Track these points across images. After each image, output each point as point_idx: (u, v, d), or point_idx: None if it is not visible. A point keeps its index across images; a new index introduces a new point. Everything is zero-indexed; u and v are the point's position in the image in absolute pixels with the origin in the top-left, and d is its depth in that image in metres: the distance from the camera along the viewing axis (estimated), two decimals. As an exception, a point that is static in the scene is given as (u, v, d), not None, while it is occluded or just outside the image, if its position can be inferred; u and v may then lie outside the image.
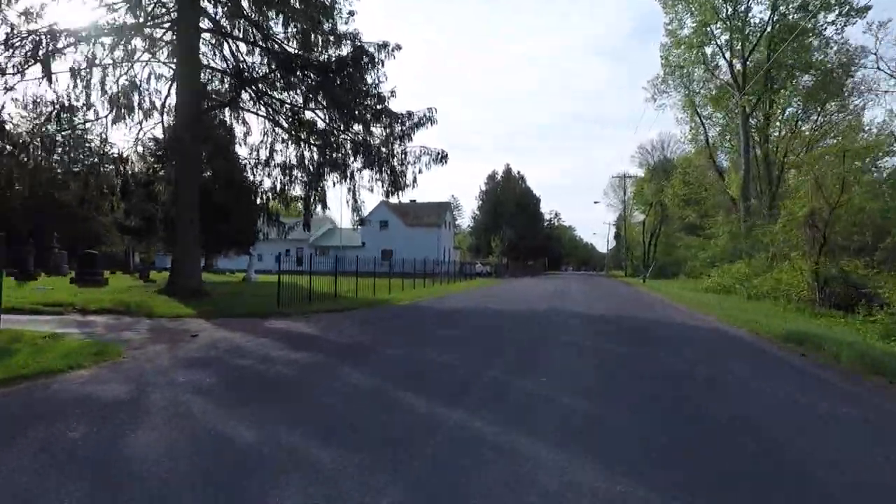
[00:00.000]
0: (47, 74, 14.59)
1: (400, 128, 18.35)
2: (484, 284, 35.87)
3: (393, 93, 17.71)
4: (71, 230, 44.20)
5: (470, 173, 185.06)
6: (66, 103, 16.52)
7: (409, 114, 18.05)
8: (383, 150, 18.54)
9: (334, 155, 19.11)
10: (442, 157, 18.72)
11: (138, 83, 17.59)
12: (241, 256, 31.86)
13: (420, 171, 18.95)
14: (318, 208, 21.71)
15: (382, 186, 19.17)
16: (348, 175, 19.45)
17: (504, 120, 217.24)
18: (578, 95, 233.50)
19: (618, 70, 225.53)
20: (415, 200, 60.23)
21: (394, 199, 20.92)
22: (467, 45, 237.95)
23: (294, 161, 20.55)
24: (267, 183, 21.97)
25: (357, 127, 18.41)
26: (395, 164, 18.68)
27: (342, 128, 18.28)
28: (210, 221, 24.47)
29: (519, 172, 79.94)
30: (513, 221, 67.94)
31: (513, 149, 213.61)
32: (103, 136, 19.26)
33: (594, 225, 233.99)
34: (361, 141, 18.20)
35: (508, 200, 72.06)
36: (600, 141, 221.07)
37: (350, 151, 18.65)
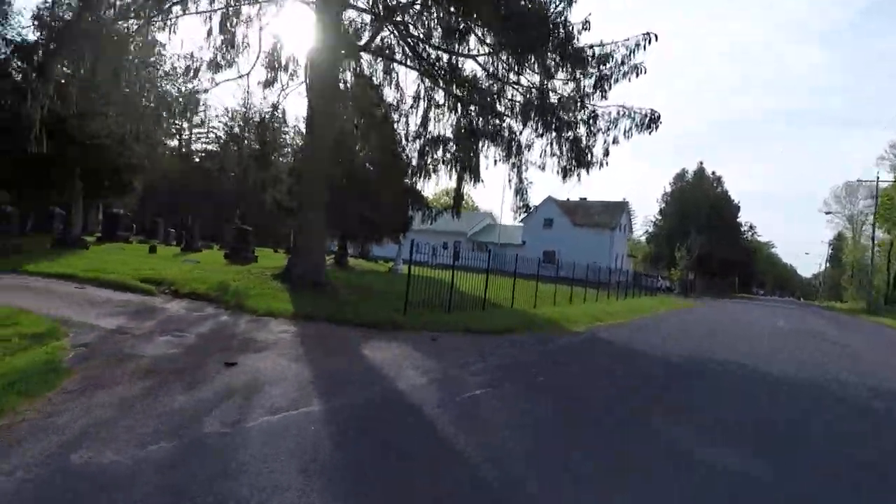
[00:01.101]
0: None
1: (590, 79, 13.05)
2: (674, 305, 28.45)
3: (586, 24, 12.40)
4: (253, 207, 47.50)
5: (641, 174, 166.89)
6: (214, 58, 14.69)
7: (605, 56, 12.61)
8: (563, 113, 13.44)
9: (498, 122, 14.62)
10: (650, 122, 12.98)
11: (278, 39, 15.15)
12: (395, 244, 29.39)
13: (615, 142, 13.47)
14: (470, 194, 17.44)
15: (559, 163, 14.11)
16: (513, 148, 14.82)
17: (687, 115, 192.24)
18: (784, 88, 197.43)
19: (834, 58, 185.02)
20: (585, 198, 53.64)
21: (569, 184, 15.74)
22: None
23: (449, 132, 16.64)
24: (416, 160, 18.50)
25: (531, 79, 13.59)
26: (581, 130, 13.45)
27: (509, 77, 13.62)
28: (357, 203, 22.02)
29: (714, 173, 67.52)
30: (704, 230, 56.90)
31: (698, 148, 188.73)
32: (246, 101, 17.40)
33: (796, 244, 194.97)
34: (536, 97, 13.31)
35: (700, 205, 60.81)
36: (812, 142, 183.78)
37: (518, 114, 13.92)
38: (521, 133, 14.82)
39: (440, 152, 17.39)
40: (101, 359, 5.28)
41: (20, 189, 18.65)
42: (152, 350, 5.89)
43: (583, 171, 14.13)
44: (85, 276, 11.47)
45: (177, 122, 61.90)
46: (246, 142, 17.31)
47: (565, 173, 14.30)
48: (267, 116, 16.83)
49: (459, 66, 15.06)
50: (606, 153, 13.72)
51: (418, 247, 11.48)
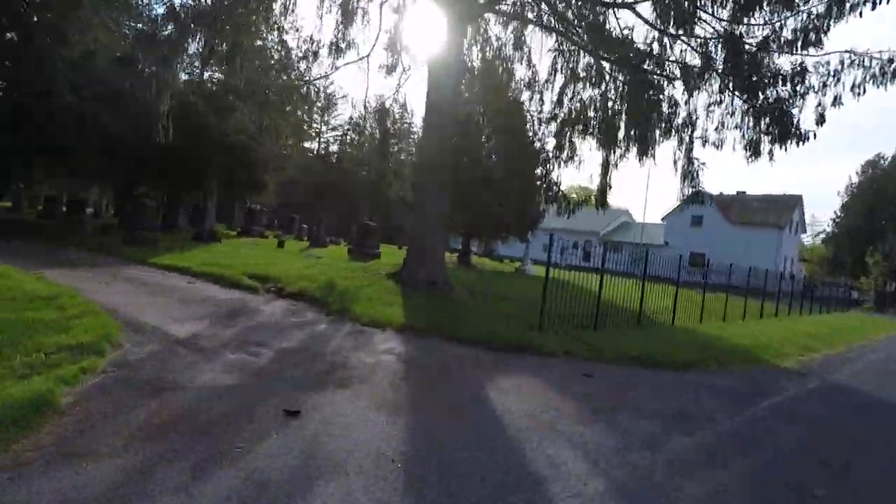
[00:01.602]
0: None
1: (798, 17, 9.54)
2: (885, 326, 22.19)
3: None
4: (380, 203, 48.35)
5: (803, 164, 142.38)
6: (334, 40, 13.69)
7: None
8: (757, 67, 10.02)
9: (654, 91, 11.56)
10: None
11: (400, 12, 13.62)
12: (523, 242, 26.93)
13: (837, 103, 9.76)
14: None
15: (745, 135, 10.70)
16: (678, 120, 11.66)
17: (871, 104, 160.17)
18: None
19: None
20: (744, 192, 46.32)
21: (753, 167, 11.97)
22: None
23: (591, 111, 13.90)
24: (551, 143, 15.98)
25: (706, 29, 10.38)
26: (782, 89, 9.94)
27: (676, 28, 10.55)
28: (482, 195, 20.04)
29: (920, 159, 54.36)
30: (904, 230, 45.78)
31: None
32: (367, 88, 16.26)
33: None
34: (718, 45, 10.09)
35: (897, 199, 49.21)
36: None
37: (692, 73, 10.74)
38: (689, 100, 11.61)
39: (580, 134, 14.70)
40: (123, 392, 3.75)
41: (161, 184, 19.83)
42: (205, 378, 4.30)
43: (776, 147, 10.53)
44: (200, 271, 10.90)
45: (314, 121, 66.14)
46: (367, 132, 16.18)
47: (754, 149, 10.80)
48: (387, 102, 15.53)
49: (608, 23, 12.25)
50: (821, 119, 9.99)
51: (551, 245, 9.00)
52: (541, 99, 15.45)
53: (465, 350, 6.74)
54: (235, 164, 19.81)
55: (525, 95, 16.04)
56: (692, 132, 11.53)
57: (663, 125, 11.36)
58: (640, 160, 12.19)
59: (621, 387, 5.80)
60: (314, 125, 68.58)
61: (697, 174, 11.66)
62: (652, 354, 7.43)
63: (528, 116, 16.75)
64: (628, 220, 56.55)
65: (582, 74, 14.30)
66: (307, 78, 15.17)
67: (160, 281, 9.58)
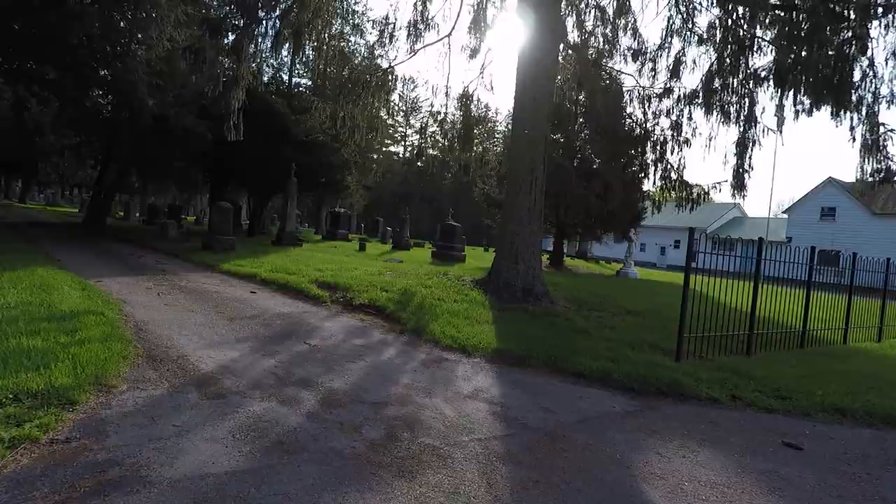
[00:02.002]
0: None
1: None
2: None
3: None
4: (465, 203, 46.94)
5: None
6: (414, 20, 12.30)
7: None
8: None
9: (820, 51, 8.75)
10: None
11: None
12: (624, 241, 24.02)
13: None
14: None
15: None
16: (851, 77, 8.78)
17: None
18: None
19: None
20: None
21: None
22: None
23: (721, 75, 11.30)
24: (663, 123, 13.52)
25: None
26: None
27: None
28: (574, 187, 17.72)
29: None
30: None
31: None
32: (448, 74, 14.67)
33: None
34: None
35: None
36: None
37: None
38: (865, 51, 8.69)
39: (701, 108, 12.13)
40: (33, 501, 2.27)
41: (245, 189, 19.68)
42: (196, 459, 2.77)
43: None
44: (266, 278, 9.83)
45: (398, 124, 66.49)
46: (448, 122, 14.61)
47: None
48: (470, 86, 13.83)
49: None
50: None
51: (691, 243, 6.65)
52: (652, 70, 13.01)
53: (585, 391, 4.79)
54: (316, 165, 19.14)
55: (632, 68, 13.63)
56: (874, 87, 8.63)
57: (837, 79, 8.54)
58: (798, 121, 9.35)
59: (857, 474, 3.54)
60: (398, 128, 69.22)
61: (884, 145, 8.70)
62: (869, 403, 4.98)
63: (634, 93, 14.30)
64: (738, 214, 50.65)
65: (704, 35, 11.73)
66: (384, 64, 13.91)
67: (219, 290, 8.54)
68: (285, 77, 23.20)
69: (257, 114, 17.65)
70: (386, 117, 55.27)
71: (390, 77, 14.11)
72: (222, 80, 10.85)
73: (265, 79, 20.35)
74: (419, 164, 57.37)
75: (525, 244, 9.51)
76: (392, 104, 47.48)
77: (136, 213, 34.60)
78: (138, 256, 12.55)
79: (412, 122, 68.38)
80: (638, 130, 15.06)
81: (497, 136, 60.45)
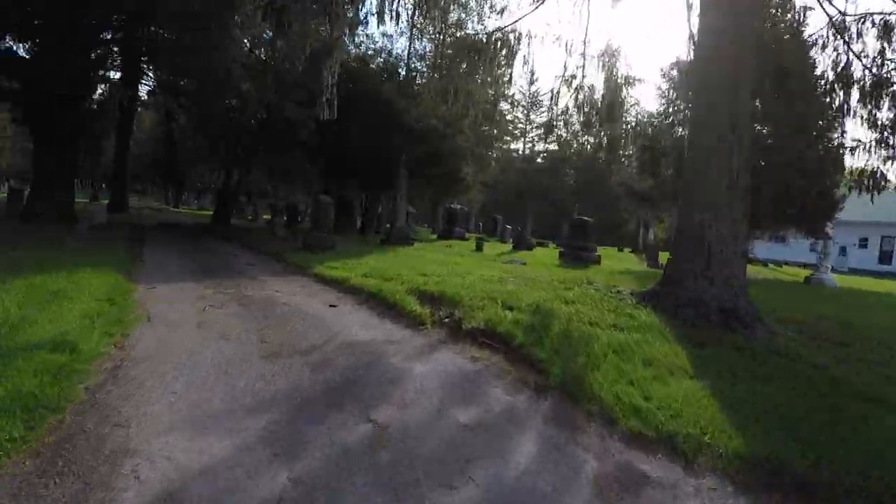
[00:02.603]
0: None
1: None
2: None
3: None
4: (594, 198, 42.62)
5: None
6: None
7: None
8: None
9: None
10: None
11: None
12: (812, 238, 18.69)
13: None
14: None
15: None
16: None
17: None
18: None
19: None
20: None
21: None
22: None
23: None
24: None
25: None
26: None
27: None
28: (757, 173, 13.48)
29: None
30: None
31: None
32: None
33: None
34: None
35: None
36: None
37: None
38: None
39: None
40: None
41: (352, 183, 18.30)
42: None
43: None
44: (357, 284, 7.68)
45: (518, 120, 63.44)
46: (585, 90, 11.55)
47: None
48: (613, 44, 10.61)
49: None
50: None
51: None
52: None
53: None
54: (428, 155, 17.13)
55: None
56: None
57: None
58: None
59: None
60: (518, 124, 66.18)
61: None
62: None
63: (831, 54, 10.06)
64: (956, 205, 39.74)
65: None
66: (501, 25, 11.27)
67: (291, 301, 6.51)
68: (396, 64, 21.68)
69: (362, 99, 16.06)
70: (506, 109, 52.59)
71: (512, 37, 11.44)
72: (310, 45, 8.97)
73: (372, 64, 18.85)
74: (547, 143, 53.58)
75: (722, 240, 6.19)
76: (510, 90, 44.63)
77: (264, 214, 36.01)
78: (233, 256, 11.32)
79: (532, 117, 65.05)
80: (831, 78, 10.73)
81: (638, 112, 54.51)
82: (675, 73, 20.21)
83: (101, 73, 17.98)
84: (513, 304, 6.22)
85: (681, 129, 17.36)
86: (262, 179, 40.50)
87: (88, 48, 14.29)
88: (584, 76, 11.77)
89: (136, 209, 34.68)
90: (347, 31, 10.36)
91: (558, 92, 12.25)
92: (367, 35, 21.65)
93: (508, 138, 61.93)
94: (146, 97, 37.65)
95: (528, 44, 11.75)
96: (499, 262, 13.63)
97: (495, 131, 39.43)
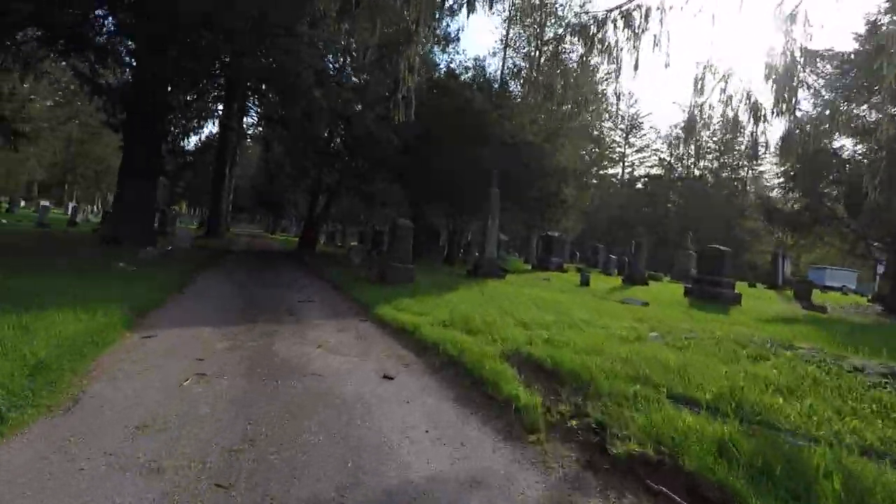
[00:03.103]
0: None
1: None
2: None
3: None
4: (712, 229, 37.67)
5: None
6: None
7: None
8: None
9: None
10: None
11: None
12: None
13: None
14: None
15: None
16: None
17: None
18: None
19: None
20: None
21: None
22: None
23: None
24: None
25: None
26: None
27: None
28: None
29: None
30: None
31: None
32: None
33: None
34: None
35: None
36: None
37: None
38: None
39: None
40: None
41: (441, 206, 16.36)
42: None
43: None
44: (429, 337, 5.40)
45: (617, 144, 59.15)
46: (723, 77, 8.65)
47: None
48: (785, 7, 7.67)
49: None
50: None
51: None
52: None
53: None
54: (524, 173, 14.79)
55: None
56: None
57: None
58: None
59: None
60: (616, 148, 61.83)
61: None
62: None
63: None
64: None
65: None
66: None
67: (329, 368, 4.36)
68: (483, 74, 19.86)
69: (450, 113, 14.16)
70: (608, 127, 49.17)
71: (638, 14, 8.89)
72: (377, 31, 7.09)
73: (463, 77, 17.04)
74: (687, 148, 48.52)
75: None
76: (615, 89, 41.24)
77: (352, 240, 35.54)
78: (294, 288, 9.59)
79: (631, 140, 60.64)
80: None
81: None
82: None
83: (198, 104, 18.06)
84: (685, 391, 3.59)
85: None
86: (354, 205, 40.49)
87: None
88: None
89: (234, 235, 35.70)
90: (428, 20, 8.43)
91: (702, 78, 9.40)
92: (457, 51, 20.19)
93: (606, 163, 57.94)
94: (249, 129, 39.36)
95: (661, 20, 9.13)
96: (612, 301, 10.83)
97: (596, 150, 36.27)
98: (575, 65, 10.47)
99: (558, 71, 8.96)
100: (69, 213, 31.13)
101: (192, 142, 37.35)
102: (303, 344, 5.10)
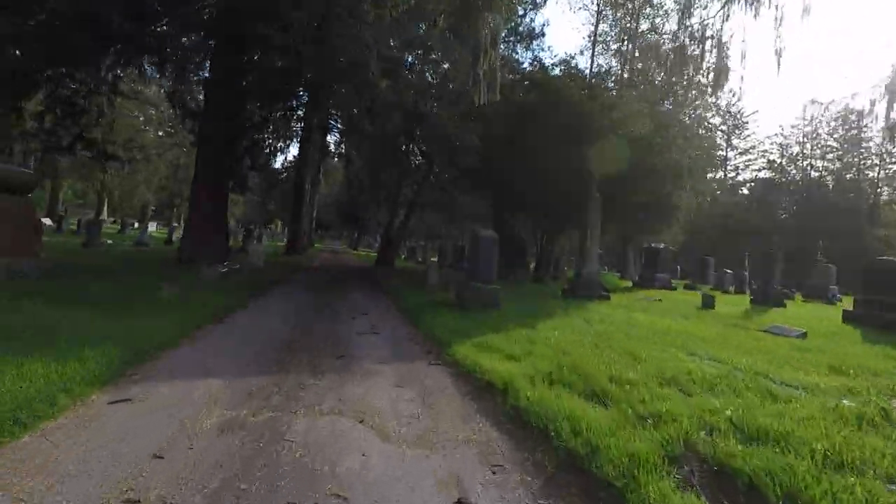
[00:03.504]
0: None
1: None
2: None
3: None
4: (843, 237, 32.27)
5: None
6: None
7: None
8: None
9: None
10: None
11: None
12: None
13: None
14: None
15: None
16: None
17: None
18: None
19: None
20: None
21: None
22: None
23: None
24: None
25: None
26: None
27: None
28: None
29: None
30: None
31: None
32: None
33: None
34: None
35: None
36: None
37: None
38: None
39: None
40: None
41: (522, 212, 14.33)
42: None
43: None
44: (536, 406, 3.51)
45: (719, 147, 53.50)
46: None
47: None
48: None
49: None
50: None
51: None
52: None
53: None
54: (629, 174, 12.43)
55: None
56: None
57: None
58: None
59: None
60: (718, 150, 56.00)
61: None
62: None
63: None
64: None
65: None
66: None
67: (357, 480, 2.61)
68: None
69: (539, 108, 12.20)
70: (709, 124, 44.61)
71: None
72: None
73: (555, 70, 15.01)
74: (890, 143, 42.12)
75: None
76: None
77: (431, 256, 34.26)
78: (357, 316, 8.06)
79: (734, 141, 54.78)
80: None
81: None
82: None
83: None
84: None
85: None
86: (434, 220, 39.45)
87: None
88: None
89: (317, 251, 35.83)
90: None
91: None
92: (542, 48, 18.34)
93: (708, 168, 52.53)
94: (333, 148, 39.83)
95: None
96: (755, 331, 8.25)
97: (699, 149, 32.39)
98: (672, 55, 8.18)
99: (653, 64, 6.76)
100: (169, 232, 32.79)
101: (279, 160, 38.43)
102: (339, 414, 3.41)
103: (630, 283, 20.15)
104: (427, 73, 12.22)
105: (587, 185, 11.32)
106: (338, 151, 37.59)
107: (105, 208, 45.09)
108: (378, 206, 34.82)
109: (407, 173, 17.91)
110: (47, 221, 31.91)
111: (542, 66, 14.82)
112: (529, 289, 13.21)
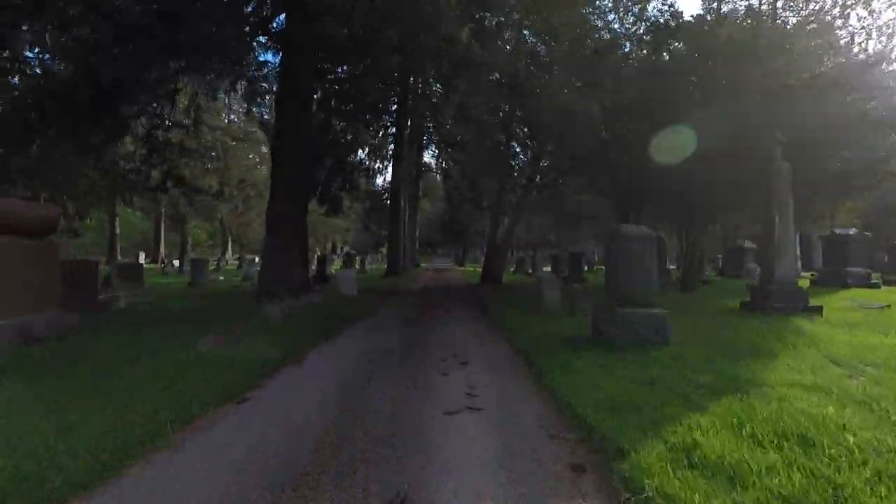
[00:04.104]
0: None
1: None
2: None
3: None
4: None
5: None
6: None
7: None
8: None
9: None
10: None
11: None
12: None
13: None
14: None
15: None
16: None
17: None
18: None
19: None
20: None
21: None
22: None
23: None
24: None
25: None
26: None
27: None
28: None
29: None
30: None
31: None
32: None
33: None
34: None
35: None
36: None
37: None
38: None
39: None
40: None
41: (657, 206, 10.89)
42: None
43: None
44: None
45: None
46: None
47: None
48: None
49: None
50: None
51: None
52: None
53: None
54: (820, 134, 8.70)
55: None
56: None
57: None
58: None
59: None
60: None
61: None
62: None
63: None
64: None
65: None
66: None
67: None
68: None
69: (682, 64, 9.02)
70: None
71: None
72: None
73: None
74: None
75: None
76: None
77: (543, 267, 31.13)
78: (455, 366, 5.58)
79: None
80: None
81: None
82: None
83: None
84: None
85: None
86: (543, 225, 36.28)
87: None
88: None
89: (421, 270, 34.40)
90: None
91: None
92: None
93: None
94: (433, 162, 38.58)
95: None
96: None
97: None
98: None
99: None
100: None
101: (379, 181, 37.91)
102: None
103: (806, 283, 15.46)
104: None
105: (768, 153, 7.88)
106: (438, 164, 36.30)
107: (229, 246, 48.10)
108: (481, 213, 32.72)
109: (508, 174, 15.43)
110: (175, 262, 34.15)
111: (677, 13, 11.49)
112: (685, 303, 9.86)
